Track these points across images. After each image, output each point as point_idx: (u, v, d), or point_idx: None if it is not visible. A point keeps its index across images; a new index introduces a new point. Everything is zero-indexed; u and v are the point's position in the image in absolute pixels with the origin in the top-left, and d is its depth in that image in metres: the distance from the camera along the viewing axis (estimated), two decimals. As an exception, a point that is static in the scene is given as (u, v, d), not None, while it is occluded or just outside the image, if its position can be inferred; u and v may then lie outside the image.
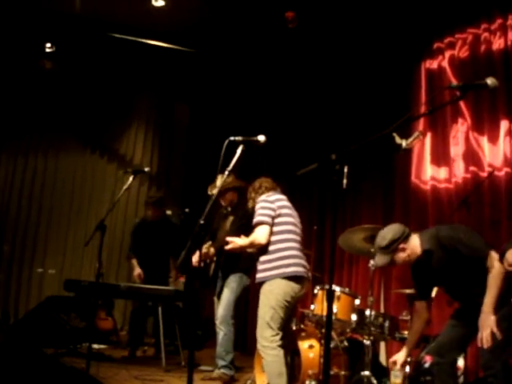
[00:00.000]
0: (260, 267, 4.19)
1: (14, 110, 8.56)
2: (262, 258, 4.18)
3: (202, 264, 5.43)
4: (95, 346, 6.62)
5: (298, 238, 4.30)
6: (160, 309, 6.18)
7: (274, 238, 4.19)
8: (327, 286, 4.55)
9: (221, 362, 5.31)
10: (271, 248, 4.16)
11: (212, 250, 5.37)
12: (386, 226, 3.78)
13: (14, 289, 8.60)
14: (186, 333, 6.61)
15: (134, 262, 6.69)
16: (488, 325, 3.49)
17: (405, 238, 3.62)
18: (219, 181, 5.52)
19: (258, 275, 4.19)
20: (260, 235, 4.14)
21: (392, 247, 3.60)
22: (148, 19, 7.48)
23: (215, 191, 4.15)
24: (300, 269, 4.14)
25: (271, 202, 4.26)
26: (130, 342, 6.68)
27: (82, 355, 5.94)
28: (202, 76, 8.68)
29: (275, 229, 4.20)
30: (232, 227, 5.27)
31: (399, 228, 3.68)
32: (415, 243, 3.64)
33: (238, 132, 4.24)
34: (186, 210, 6.57)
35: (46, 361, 4.05)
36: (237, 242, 4.24)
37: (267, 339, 4.03)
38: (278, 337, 4.04)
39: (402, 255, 3.62)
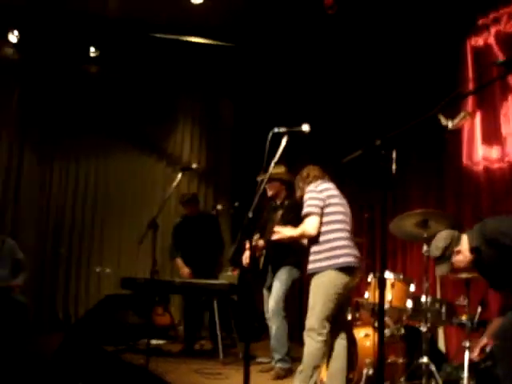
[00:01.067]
0: (311, 258, 4.19)
1: (64, 115, 8.75)
2: (313, 249, 4.18)
3: (252, 258, 5.47)
4: (154, 341, 6.74)
5: (347, 227, 4.28)
6: (215, 302, 6.25)
7: (323, 229, 4.18)
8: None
9: (276, 356, 5.34)
10: (321, 239, 4.16)
11: (261, 242, 5.40)
12: (436, 235, 3.78)
13: (74, 289, 8.81)
14: (242, 325, 6.67)
15: (179, 260, 6.83)
16: None
17: (456, 241, 3.60)
18: (271, 169, 5.57)
19: (310, 266, 4.20)
20: (309, 226, 4.14)
21: (446, 254, 3.61)
22: (187, 16, 7.54)
23: (262, 178, 4.22)
24: (351, 259, 4.12)
25: (319, 191, 4.25)
26: (186, 337, 6.79)
27: (142, 351, 6.07)
28: (244, 71, 8.68)
29: (325, 219, 4.19)
30: (282, 220, 5.26)
31: (447, 233, 3.69)
32: (465, 243, 3.60)
33: (283, 124, 4.24)
34: (236, 203, 6.62)
35: (108, 358, 4.14)
36: (284, 232, 4.26)
37: (314, 331, 4.07)
38: (325, 330, 4.07)
39: (459, 258, 3.61)
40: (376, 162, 2.19)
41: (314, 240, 4.18)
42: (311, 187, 4.31)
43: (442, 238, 3.68)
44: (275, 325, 5.31)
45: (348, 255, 4.13)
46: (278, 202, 5.62)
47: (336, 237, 4.16)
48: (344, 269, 4.07)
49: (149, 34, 7.93)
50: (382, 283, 1.98)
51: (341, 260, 4.08)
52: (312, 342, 4.07)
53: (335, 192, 4.36)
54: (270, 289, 5.48)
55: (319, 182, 4.38)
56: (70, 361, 4.28)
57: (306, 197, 4.26)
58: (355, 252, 4.23)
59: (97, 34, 8.00)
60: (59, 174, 8.88)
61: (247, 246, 5.23)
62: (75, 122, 8.84)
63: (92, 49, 8.26)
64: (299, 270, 5.44)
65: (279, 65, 8.22)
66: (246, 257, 5.56)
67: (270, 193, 5.60)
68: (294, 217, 4.78)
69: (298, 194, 4.50)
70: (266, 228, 5.53)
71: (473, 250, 3.56)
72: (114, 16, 7.49)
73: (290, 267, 5.42)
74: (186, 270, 6.71)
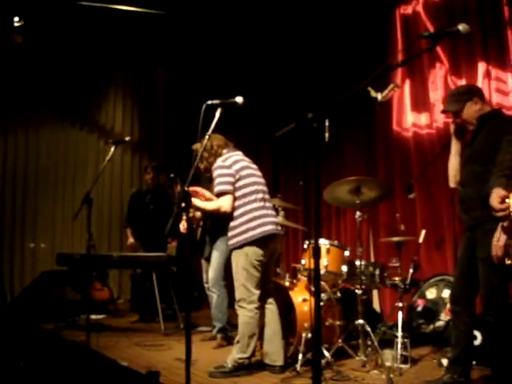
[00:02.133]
0: (229, 234, 4.27)
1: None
2: (230, 225, 4.26)
3: (189, 230, 5.50)
4: (93, 316, 6.69)
5: (262, 195, 4.35)
6: (154, 275, 6.25)
7: (237, 203, 4.24)
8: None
9: (218, 324, 5.41)
10: (236, 213, 4.24)
11: (198, 214, 5.41)
12: None
13: (8, 266, 8.59)
14: (181, 296, 6.70)
15: (129, 231, 6.92)
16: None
17: (482, 96, 3.69)
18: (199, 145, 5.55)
19: (229, 242, 4.29)
20: (225, 204, 4.19)
21: (468, 95, 3.65)
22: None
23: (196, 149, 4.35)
24: (269, 227, 4.22)
25: (229, 166, 4.26)
26: (138, 308, 6.88)
27: (82, 327, 6.02)
28: (177, 39, 8.53)
29: (237, 193, 4.25)
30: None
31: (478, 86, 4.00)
32: (486, 109, 3.66)
33: (218, 93, 4.22)
34: (171, 175, 6.59)
35: (48, 336, 4.09)
36: (198, 203, 4.30)
37: (244, 300, 4.18)
38: (255, 297, 4.20)
39: (474, 107, 3.62)
40: (308, 135, 2.23)
41: (230, 216, 4.24)
42: (219, 162, 4.29)
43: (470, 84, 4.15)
44: (215, 294, 5.37)
45: (265, 224, 4.21)
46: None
47: (251, 208, 4.23)
48: (262, 239, 4.18)
49: (76, 1, 7.65)
50: (316, 251, 2.04)
51: (258, 230, 4.17)
52: (244, 312, 4.19)
53: (244, 162, 4.37)
54: (208, 259, 5.52)
55: (225, 152, 4.38)
56: (8, 341, 4.20)
57: (215, 173, 4.26)
58: (273, 219, 4.32)
59: (21, 2, 7.66)
60: (-15, 148, 8.57)
61: (184, 217, 5.23)
62: (1, 94, 8.51)
63: (16, 18, 7.92)
64: None
65: (213, 33, 8.13)
66: (183, 225, 5.57)
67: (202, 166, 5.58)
68: None
69: (202, 165, 4.45)
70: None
71: (480, 117, 3.62)
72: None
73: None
74: (130, 241, 6.86)
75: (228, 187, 4.20)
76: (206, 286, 5.57)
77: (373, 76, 2.41)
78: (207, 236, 5.54)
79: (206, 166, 4.46)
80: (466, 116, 3.64)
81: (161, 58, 9.40)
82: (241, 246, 4.19)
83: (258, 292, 4.21)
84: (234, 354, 4.24)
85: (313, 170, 6.65)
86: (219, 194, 4.22)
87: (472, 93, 3.67)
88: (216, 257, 5.39)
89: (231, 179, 4.22)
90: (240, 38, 8.00)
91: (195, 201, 4.29)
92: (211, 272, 5.39)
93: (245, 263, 4.18)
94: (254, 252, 4.18)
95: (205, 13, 7.73)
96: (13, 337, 4.28)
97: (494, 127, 3.53)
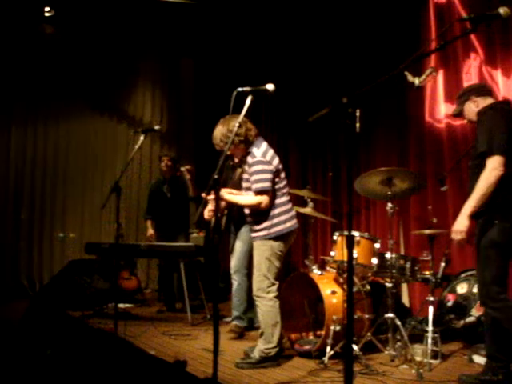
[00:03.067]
0: (258, 226, 4.24)
1: (20, 79, 8.48)
2: (259, 216, 4.24)
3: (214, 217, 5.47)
4: (121, 305, 6.73)
5: (288, 188, 4.42)
6: (182, 265, 6.25)
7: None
8: (346, 232, 4.54)
9: (234, 313, 5.38)
10: (269, 210, 4.23)
11: (223, 203, 5.37)
12: None
13: (37, 255, 8.70)
14: (209, 286, 6.70)
15: (148, 223, 6.98)
16: (458, 230, 3.56)
17: (479, 92, 3.74)
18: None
19: (257, 233, 4.26)
20: (265, 201, 4.16)
21: (463, 97, 3.79)
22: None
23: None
24: (294, 221, 4.32)
25: (269, 163, 4.21)
26: (165, 298, 6.90)
27: (109, 316, 6.06)
28: (204, 29, 8.50)
29: (274, 189, 4.25)
30: (240, 179, 5.16)
31: (479, 84, 4.11)
32: (486, 102, 3.69)
33: (246, 82, 4.17)
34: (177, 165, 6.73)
35: (75, 324, 4.11)
36: (238, 198, 4.32)
37: (264, 290, 4.18)
38: (275, 287, 4.21)
39: (472, 106, 3.75)
40: (342, 120, 2.17)
41: (261, 211, 4.22)
42: (259, 156, 4.20)
43: (469, 85, 4.04)
44: (236, 281, 5.34)
45: (293, 218, 4.31)
46: (236, 161, 5.50)
47: (282, 201, 4.26)
48: (288, 233, 4.25)
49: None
50: (350, 241, 1.98)
51: (287, 225, 4.24)
52: (263, 301, 4.18)
53: (276, 155, 4.36)
54: (232, 249, 5.49)
55: (258, 142, 4.30)
56: (36, 328, 4.23)
57: (256, 168, 4.17)
58: (294, 213, 4.39)
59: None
60: (16, 139, 8.65)
61: (211, 203, 5.20)
62: (32, 85, 8.60)
63: (47, 8, 7.97)
64: None
65: (240, 22, 8.07)
66: (207, 213, 5.55)
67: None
68: None
69: (229, 148, 4.04)
70: (226, 188, 5.49)
71: (481, 110, 3.67)
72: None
73: None
74: (149, 233, 6.92)
75: (269, 185, 4.17)
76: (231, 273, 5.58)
77: (408, 61, 2.34)
78: (232, 226, 5.49)
79: (236, 151, 4.38)
80: (467, 116, 3.82)
81: (188, 48, 9.39)
82: (269, 238, 4.19)
83: (277, 282, 4.23)
84: (260, 346, 4.21)
85: (342, 160, 6.59)
86: (260, 192, 4.17)
87: (468, 93, 3.81)
88: (239, 245, 5.36)
89: (271, 176, 4.19)
90: (266, 27, 7.94)
91: (229, 195, 4.32)
92: (234, 260, 5.37)
93: (269, 254, 4.18)
94: (279, 244, 4.21)
95: (230, 2, 7.68)
96: (41, 325, 4.31)
97: (483, 121, 3.63)
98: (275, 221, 4.20)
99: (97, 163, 9.25)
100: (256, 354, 4.19)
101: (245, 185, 4.34)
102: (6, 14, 7.90)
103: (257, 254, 4.25)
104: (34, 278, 8.53)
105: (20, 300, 7.54)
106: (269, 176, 4.17)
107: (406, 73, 2.49)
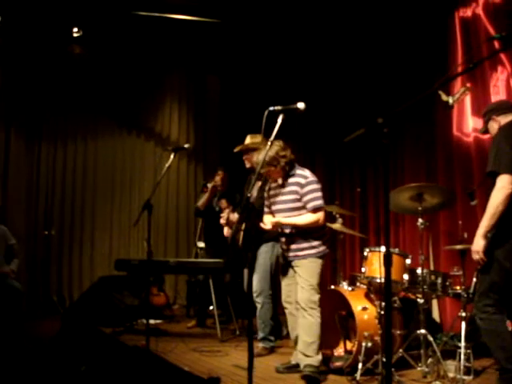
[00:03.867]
0: (314, 242, 4.37)
1: (49, 97, 8.65)
2: (315, 233, 4.38)
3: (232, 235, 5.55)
4: (151, 321, 6.76)
5: None
6: (211, 281, 6.27)
7: None
8: (377, 248, 4.54)
9: (260, 334, 5.34)
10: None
11: (235, 215, 5.40)
12: None
13: (67, 271, 8.80)
14: (237, 302, 6.70)
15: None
16: (475, 250, 3.61)
17: (498, 110, 3.78)
18: (248, 140, 5.51)
19: (313, 250, 4.36)
20: (322, 218, 4.36)
21: (486, 116, 3.85)
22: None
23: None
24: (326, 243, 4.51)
25: (319, 182, 4.45)
26: (197, 314, 6.92)
27: (139, 332, 6.12)
28: (231, 47, 8.60)
29: None
30: (260, 191, 5.11)
31: (500, 102, 4.15)
32: (507, 119, 3.72)
33: (270, 99, 4.22)
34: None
35: (109, 341, 4.16)
36: (296, 220, 4.35)
37: (316, 303, 4.32)
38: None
39: (494, 125, 3.79)
40: (378, 140, 2.20)
41: (312, 228, 4.37)
42: (311, 176, 4.42)
43: (491, 103, 4.14)
44: (259, 304, 5.29)
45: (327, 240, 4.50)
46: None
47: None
48: (327, 254, 4.49)
49: (132, 11, 7.81)
50: (388, 259, 1.99)
51: (325, 246, 4.44)
52: (316, 313, 4.30)
53: None
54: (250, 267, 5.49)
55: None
56: (70, 345, 4.29)
57: (313, 187, 4.35)
58: None
59: (79, 13, 7.86)
60: (47, 155, 8.79)
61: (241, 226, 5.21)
62: (62, 103, 8.76)
63: (75, 29, 8.14)
64: None
65: (266, 41, 8.14)
66: (226, 229, 5.62)
67: (247, 164, 5.50)
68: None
69: (271, 170, 4.42)
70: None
71: (499, 129, 3.72)
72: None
73: (272, 243, 5.28)
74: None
75: (323, 202, 4.40)
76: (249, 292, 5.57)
77: (441, 81, 2.37)
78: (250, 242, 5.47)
79: (275, 173, 4.44)
80: (492, 135, 3.82)
81: (214, 65, 9.49)
82: (318, 257, 4.38)
83: None
84: (318, 356, 4.31)
85: (369, 175, 6.57)
86: (318, 209, 4.33)
87: (489, 113, 3.85)
88: (261, 266, 5.29)
89: (322, 194, 4.43)
90: (291, 45, 7.99)
91: (286, 219, 4.38)
92: (256, 281, 5.27)
93: (319, 270, 4.37)
94: (322, 263, 4.42)
95: (257, 20, 7.76)
96: (75, 341, 4.36)
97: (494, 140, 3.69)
98: (325, 238, 4.44)
99: (124, 180, 9.36)
100: (316, 363, 4.28)
101: (292, 205, 4.40)
102: (37, 36, 8.09)
103: (310, 270, 4.34)
104: (64, 294, 8.62)
105: (50, 316, 7.66)
106: (321, 194, 4.40)
107: (440, 92, 2.51)
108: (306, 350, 4.29)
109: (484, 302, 3.61)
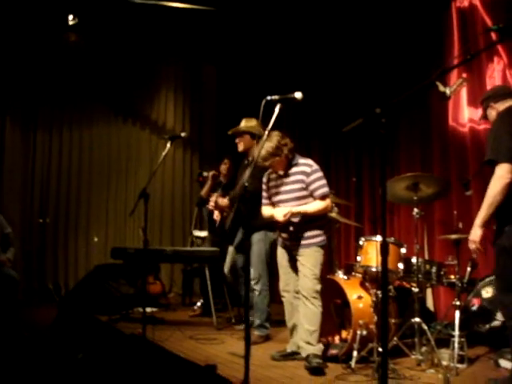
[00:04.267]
0: (316, 231, 4.40)
1: (45, 85, 8.62)
2: (317, 222, 4.41)
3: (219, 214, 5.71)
4: (147, 309, 6.79)
5: None
6: (207, 269, 6.30)
7: None
8: (373, 238, 4.58)
9: (256, 322, 5.35)
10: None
11: (225, 200, 5.43)
12: None
13: (62, 260, 8.79)
14: (233, 291, 6.72)
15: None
16: (471, 240, 3.63)
17: (495, 97, 3.80)
18: (242, 123, 5.50)
19: (316, 239, 4.40)
20: (330, 205, 4.47)
21: (484, 104, 3.88)
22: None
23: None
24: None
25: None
26: (204, 303, 6.87)
27: (135, 320, 6.14)
28: (227, 35, 8.57)
29: None
30: (250, 179, 5.04)
31: (498, 87, 4.18)
32: (505, 106, 3.74)
33: (267, 89, 4.22)
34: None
35: (106, 329, 4.18)
36: (307, 208, 4.36)
37: (318, 292, 4.35)
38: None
39: (492, 112, 3.82)
40: (376, 130, 2.21)
41: (318, 216, 4.40)
42: (315, 165, 4.46)
43: (488, 90, 4.17)
44: (257, 291, 5.30)
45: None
46: (250, 159, 5.40)
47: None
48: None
49: (127, -1, 7.77)
50: (384, 248, 2.02)
51: (326, 236, 4.48)
52: (317, 302, 4.34)
53: None
54: (238, 248, 5.50)
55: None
56: (67, 333, 4.31)
57: (318, 175, 4.40)
58: None
59: (75, 1, 7.82)
60: (42, 144, 8.74)
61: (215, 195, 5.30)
62: (57, 91, 8.72)
63: (70, 17, 8.10)
64: (274, 232, 5.08)
65: (262, 29, 8.12)
66: (213, 199, 5.70)
67: (240, 148, 5.46)
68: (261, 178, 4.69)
69: (271, 161, 4.40)
70: (235, 186, 5.50)
71: (497, 115, 3.74)
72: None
73: (264, 231, 5.27)
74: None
75: (329, 189, 4.46)
76: (225, 271, 5.69)
77: (439, 72, 2.38)
78: (239, 225, 5.48)
79: (277, 163, 4.44)
80: (491, 122, 3.86)
81: (210, 55, 9.47)
82: (320, 246, 4.42)
83: None
84: (320, 344, 4.37)
85: (365, 165, 6.57)
86: (325, 196, 4.38)
87: (486, 100, 3.89)
88: (256, 254, 5.28)
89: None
90: (288, 34, 7.97)
91: (297, 208, 4.35)
92: (253, 269, 5.29)
93: (322, 260, 4.42)
94: (323, 253, 4.46)
95: (253, 9, 7.73)
96: (71, 329, 4.39)
97: (493, 127, 3.71)
98: (326, 228, 4.50)
99: (120, 168, 9.34)
100: (319, 352, 4.31)
101: (298, 194, 4.40)
102: (32, 23, 8.04)
103: (313, 259, 4.38)
104: (60, 283, 8.62)
105: (46, 304, 7.68)
106: (326, 181, 4.44)
107: (438, 83, 2.52)
108: (308, 339, 4.32)
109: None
